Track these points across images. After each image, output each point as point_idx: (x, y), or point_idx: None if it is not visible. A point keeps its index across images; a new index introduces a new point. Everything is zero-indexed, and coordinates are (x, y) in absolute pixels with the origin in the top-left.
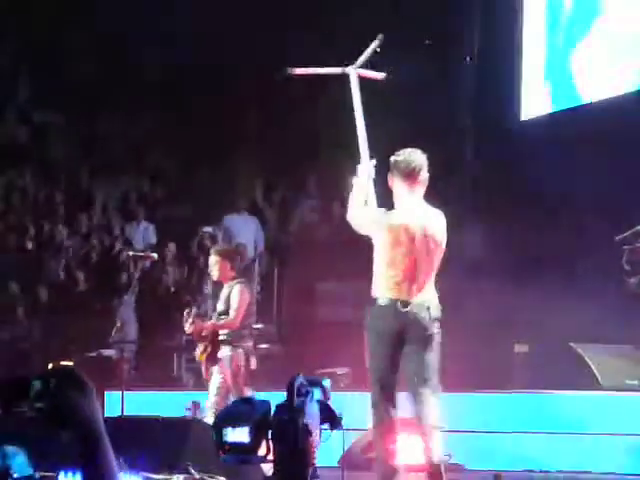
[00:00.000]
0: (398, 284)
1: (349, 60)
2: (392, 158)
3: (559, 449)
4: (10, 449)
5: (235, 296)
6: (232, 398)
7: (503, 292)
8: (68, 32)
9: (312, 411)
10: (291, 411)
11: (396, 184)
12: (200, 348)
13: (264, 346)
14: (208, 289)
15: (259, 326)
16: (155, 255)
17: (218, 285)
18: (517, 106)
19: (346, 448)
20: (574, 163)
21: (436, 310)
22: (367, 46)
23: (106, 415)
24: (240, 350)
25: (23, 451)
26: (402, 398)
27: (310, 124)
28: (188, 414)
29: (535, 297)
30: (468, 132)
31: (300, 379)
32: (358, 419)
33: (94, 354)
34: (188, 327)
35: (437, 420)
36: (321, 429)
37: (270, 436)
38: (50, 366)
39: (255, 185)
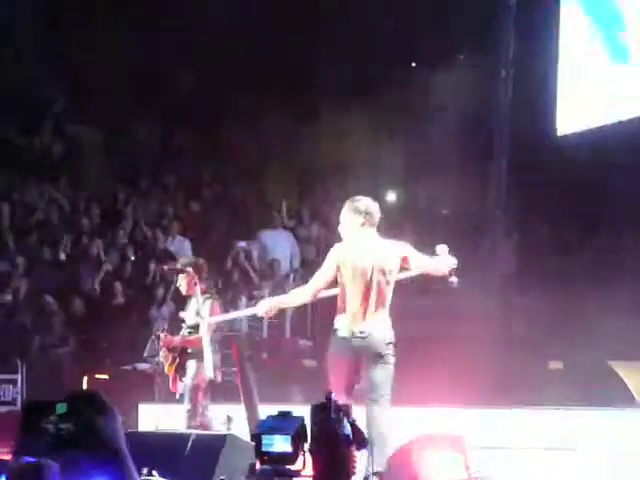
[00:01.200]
0: (354, 315)
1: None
2: (349, 201)
3: (591, 465)
4: (43, 462)
5: (206, 311)
6: (187, 408)
7: (537, 308)
8: (103, 47)
9: (348, 427)
10: (330, 421)
11: (350, 222)
12: (168, 360)
13: (300, 361)
14: (243, 304)
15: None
16: (190, 269)
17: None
18: (553, 121)
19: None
20: (611, 180)
21: (389, 335)
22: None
23: (140, 430)
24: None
25: (56, 465)
26: (428, 415)
27: (338, 138)
28: (222, 428)
29: (570, 313)
30: (503, 147)
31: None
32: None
33: (129, 367)
34: (162, 339)
35: (382, 433)
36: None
37: (308, 449)
38: (73, 390)
39: (287, 200)
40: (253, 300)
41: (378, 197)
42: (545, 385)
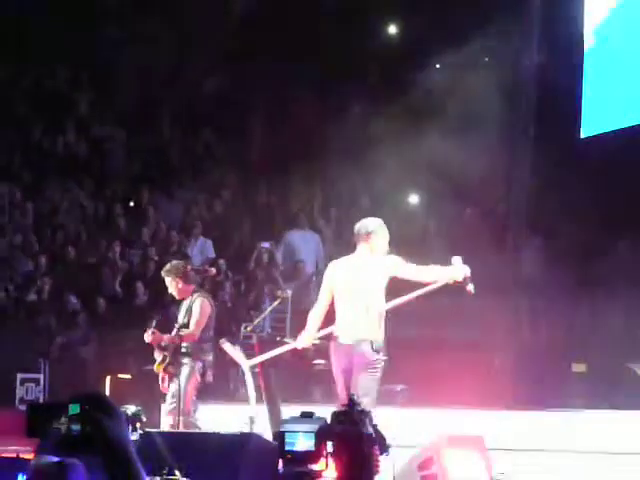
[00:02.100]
0: (347, 323)
1: None
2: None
3: (616, 468)
4: (68, 461)
5: (196, 309)
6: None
7: (561, 311)
8: (126, 47)
9: (370, 428)
10: (354, 421)
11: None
12: (158, 359)
13: (321, 361)
14: (266, 305)
15: (316, 342)
16: (213, 270)
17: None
18: (578, 123)
19: (401, 465)
20: (637, 183)
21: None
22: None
23: (162, 430)
24: (199, 363)
25: (81, 464)
26: (451, 416)
27: (363, 139)
28: (245, 428)
29: (593, 316)
30: (528, 149)
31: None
32: (414, 435)
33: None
34: (148, 337)
35: None
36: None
37: (331, 449)
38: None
39: (313, 201)
40: (277, 300)
41: (401, 197)
42: (568, 387)
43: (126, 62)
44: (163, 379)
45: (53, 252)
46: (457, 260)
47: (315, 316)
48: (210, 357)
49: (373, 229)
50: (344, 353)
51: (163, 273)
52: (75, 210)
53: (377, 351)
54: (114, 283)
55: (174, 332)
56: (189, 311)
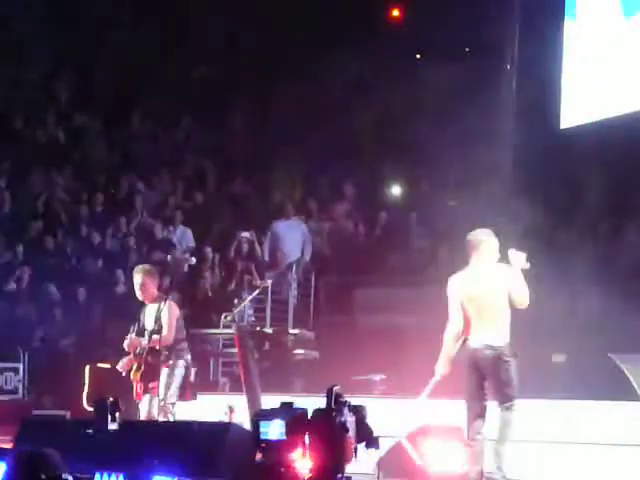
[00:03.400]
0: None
1: None
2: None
3: (594, 459)
4: (45, 451)
5: (165, 313)
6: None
7: (541, 302)
8: (108, 34)
9: (349, 417)
10: (329, 410)
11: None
12: (134, 367)
13: (301, 351)
14: (246, 294)
15: (296, 332)
16: (193, 259)
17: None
18: (557, 114)
19: (381, 454)
20: (616, 173)
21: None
22: None
23: (142, 419)
24: (181, 362)
25: (57, 453)
26: (437, 406)
27: (348, 128)
28: (224, 418)
29: (573, 307)
30: (508, 140)
31: (338, 387)
32: (393, 425)
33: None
34: (126, 342)
35: None
36: (356, 447)
37: (307, 439)
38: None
39: (294, 191)
40: (256, 289)
41: (382, 190)
42: (548, 378)
43: (107, 52)
44: (137, 387)
45: (33, 241)
46: (512, 252)
47: (452, 338)
48: (189, 356)
49: (485, 239)
50: (480, 358)
51: (142, 273)
52: (55, 199)
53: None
54: (95, 272)
55: (146, 338)
56: (159, 316)
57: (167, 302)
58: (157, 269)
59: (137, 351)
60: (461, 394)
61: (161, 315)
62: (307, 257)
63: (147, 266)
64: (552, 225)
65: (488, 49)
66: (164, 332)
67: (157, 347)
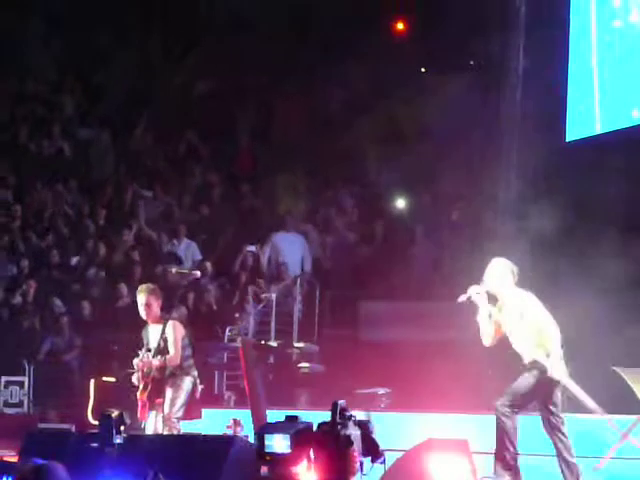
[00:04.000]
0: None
1: None
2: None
3: (598, 472)
4: (50, 464)
5: (170, 334)
6: (157, 421)
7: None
8: (112, 49)
9: (354, 431)
10: (333, 424)
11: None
12: (141, 386)
13: (305, 365)
14: (250, 308)
15: (301, 345)
16: (198, 273)
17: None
18: (562, 126)
19: (385, 468)
20: (621, 186)
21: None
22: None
23: (147, 433)
24: (188, 378)
25: (63, 466)
26: (441, 419)
27: (351, 141)
28: (229, 432)
29: (577, 319)
30: (513, 151)
31: (343, 402)
32: (398, 439)
33: (135, 371)
34: (137, 362)
35: None
36: (362, 462)
37: (312, 452)
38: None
39: (297, 204)
40: (261, 303)
41: (387, 203)
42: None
43: (112, 64)
44: (143, 406)
45: (38, 255)
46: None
47: None
48: (196, 372)
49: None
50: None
51: (146, 293)
52: (61, 212)
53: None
54: (99, 285)
55: (151, 357)
56: (163, 336)
57: (171, 322)
58: (157, 288)
59: (145, 371)
60: (466, 408)
61: (166, 336)
62: (307, 269)
63: (151, 285)
64: (557, 238)
65: (492, 61)
66: (171, 353)
67: (165, 368)
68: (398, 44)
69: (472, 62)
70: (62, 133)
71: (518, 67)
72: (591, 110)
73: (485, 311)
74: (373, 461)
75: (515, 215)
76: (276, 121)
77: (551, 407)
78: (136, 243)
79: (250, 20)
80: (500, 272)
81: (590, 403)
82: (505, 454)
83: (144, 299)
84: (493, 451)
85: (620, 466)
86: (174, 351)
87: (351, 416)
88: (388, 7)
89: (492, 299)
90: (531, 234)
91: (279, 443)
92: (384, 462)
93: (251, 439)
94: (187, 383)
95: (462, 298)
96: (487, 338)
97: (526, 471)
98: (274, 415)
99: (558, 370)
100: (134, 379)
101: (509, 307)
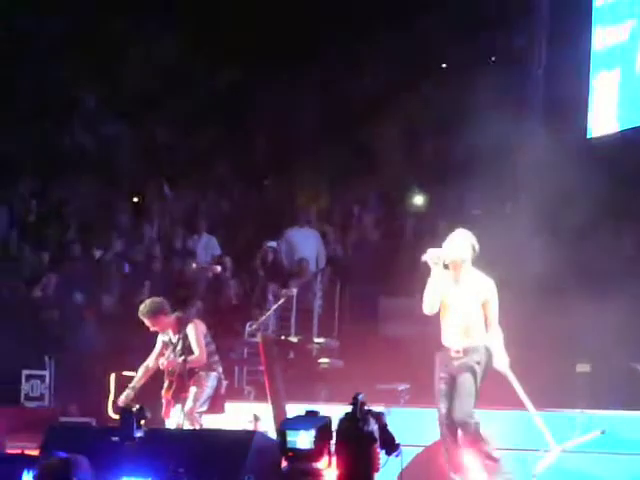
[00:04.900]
0: None
1: None
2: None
3: (620, 470)
4: (74, 458)
5: (192, 334)
6: (180, 416)
7: (566, 311)
8: (132, 43)
9: (373, 426)
10: (355, 420)
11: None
12: (166, 384)
13: (325, 360)
14: (271, 304)
15: (321, 340)
16: (219, 268)
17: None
18: (585, 123)
19: (405, 464)
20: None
21: None
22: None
23: (168, 428)
24: (213, 373)
25: (86, 460)
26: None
27: (373, 136)
28: (249, 426)
29: (598, 316)
30: (534, 148)
31: (362, 396)
32: (418, 435)
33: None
34: (163, 361)
35: None
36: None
37: (334, 447)
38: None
39: (317, 199)
40: (282, 299)
41: (409, 197)
42: (572, 389)
43: (132, 58)
44: (167, 404)
45: (59, 248)
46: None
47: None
48: (220, 368)
49: None
50: None
51: (144, 317)
52: (82, 207)
53: None
54: (121, 280)
55: (176, 357)
56: (184, 336)
57: (190, 324)
58: (158, 303)
59: (170, 370)
60: (485, 404)
61: (188, 337)
62: (322, 265)
63: (144, 308)
64: (578, 235)
65: (515, 58)
66: (196, 353)
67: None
68: (420, 39)
69: (493, 58)
70: (84, 128)
71: (541, 63)
72: (614, 106)
73: (437, 278)
74: (389, 454)
75: (536, 211)
76: (297, 116)
77: None
78: (157, 238)
79: (268, 13)
80: (461, 243)
81: (524, 397)
82: (490, 451)
83: (147, 323)
84: (512, 446)
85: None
86: (199, 351)
87: (369, 410)
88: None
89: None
90: (553, 230)
91: (302, 439)
92: (399, 455)
93: (271, 434)
94: (212, 379)
95: (424, 258)
96: (430, 306)
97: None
98: (293, 410)
99: (504, 362)
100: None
101: (468, 286)
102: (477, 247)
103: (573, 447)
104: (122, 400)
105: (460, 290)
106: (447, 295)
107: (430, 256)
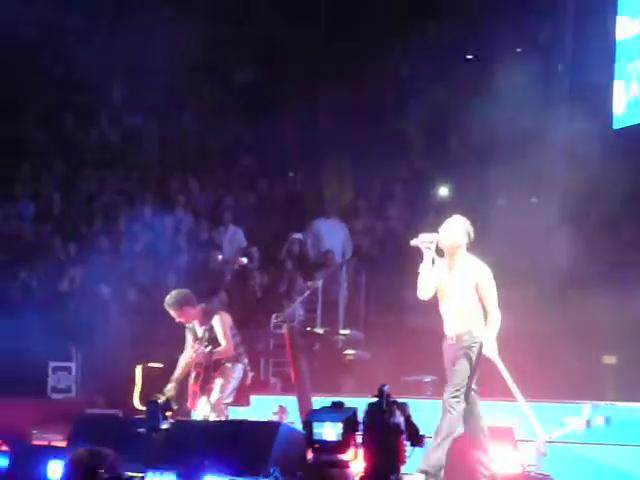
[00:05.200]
0: None
1: None
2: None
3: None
4: (102, 449)
5: (218, 326)
6: (206, 407)
7: (592, 302)
8: (158, 37)
9: (399, 418)
10: (382, 411)
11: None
12: (193, 375)
13: (351, 352)
14: (297, 295)
15: (347, 332)
16: (245, 260)
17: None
18: (610, 114)
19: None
20: None
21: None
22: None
23: (194, 419)
24: (239, 365)
25: (113, 451)
26: (487, 407)
27: (398, 128)
28: (275, 418)
29: (624, 308)
30: (559, 139)
31: (387, 387)
32: None
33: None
34: (192, 353)
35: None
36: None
37: (360, 438)
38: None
39: (344, 191)
40: (307, 290)
41: (432, 187)
42: (599, 380)
43: (158, 50)
44: (194, 395)
45: (85, 241)
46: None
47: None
48: (246, 360)
49: None
50: None
51: (170, 309)
52: (107, 199)
53: None
54: (147, 272)
55: (202, 348)
56: (210, 328)
57: (216, 316)
58: (184, 295)
59: (197, 361)
60: (511, 395)
61: (214, 329)
62: (348, 256)
63: (170, 298)
64: (603, 226)
65: (541, 48)
66: (223, 345)
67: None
68: (443, 31)
69: (519, 49)
70: (110, 121)
71: (566, 54)
72: (637, 97)
73: (429, 263)
74: (413, 445)
75: (561, 202)
76: (321, 108)
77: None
78: (182, 230)
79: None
80: (456, 229)
81: (514, 389)
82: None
83: (172, 314)
84: (538, 438)
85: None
86: (225, 342)
87: (395, 401)
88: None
89: (440, 254)
90: (578, 221)
91: (329, 431)
92: (423, 446)
93: (296, 425)
94: (238, 370)
95: (413, 242)
96: (424, 291)
97: None
98: (319, 401)
99: (492, 348)
100: (179, 367)
101: (461, 272)
102: (472, 233)
103: (559, 437)
104: (168, 389)
105: (453, 276)
106: (442, 282)
107: (421, 240)
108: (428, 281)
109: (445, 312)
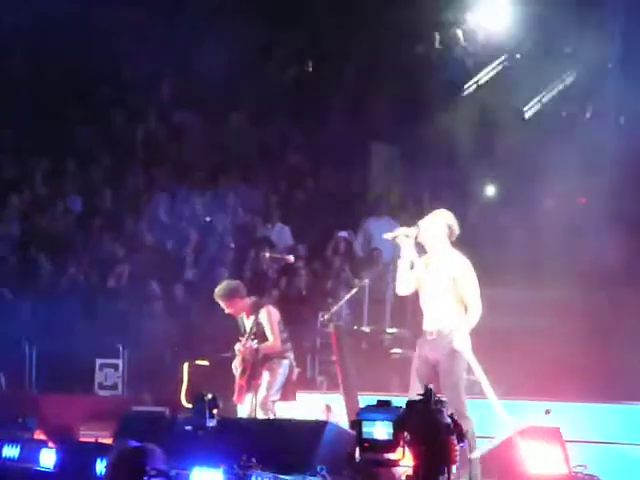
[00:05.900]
0: None
1: None
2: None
3: None
4: (148, 447)
5: (265, 321)
6: (252, 404)
7: (614, 303)
8: (208, 35)
9: (447, 418)
10: (431, 412)
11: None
12: (240, 370)
13: (398, 350)
14: (343, 294)
15: (393, 330)
16: (292, 257)
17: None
18: None
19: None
20: None
21: None
22: None
23: (241, 417)
24: (285, 361)
25: (159, 449)
26: (534, 407)
27: (445, 127)
28: (321, 417)
29: None
30: (608, 141)
31: (433, 386)
32: (491, 426)
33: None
34: (240, 347)
35: None
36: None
37: (407, 439)
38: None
39: (391, 189)
40: (354, 289)
41: (476, 187)
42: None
43: (207, 48)
44: (240, 390)
45: (133, 238)
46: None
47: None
48: (292, 356)
49: None
50: None
51: (220, 299)
52: (154, 196)
53: None
54: (194, 269)
55: (250, 343)
56: (257, 321)
57: (264, 309)
58: (232, 286)
59: (245, 357)
60: (558, 396)
61: (261, 323)
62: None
63: (220, 289)
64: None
65: (590, 48)
66: (270, 340)
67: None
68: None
69: (568, 49)
70: (158, 118)
71: (616, 54)
72: None
73: (407, 257)
74: (457, 443)
75: (610, 202)
76: (369, 106)
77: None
78: (230, 227)
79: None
80: (436, 224)
81: (487, 387)
82: None
83: (222, 305)
84: (585, 439)
85: None
86: (273, 337)
87: (439, 400)
88: None
89: (421, 250)
90: (628, 222)
91: (379, 429)
92: (465, 445)
93: (343, 424)
94: (284, 366)
95: (388, 235)
96: (402, 287)
97: None
98: (365, 400)
99: (463, 341)
100: (235, 364)
101: (438, 266)
102: (456, 228)
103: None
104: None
105: (431, 272)
106: (420, 277)
107: (398, 233)
108: (407, 276)
109: (424, 307)
